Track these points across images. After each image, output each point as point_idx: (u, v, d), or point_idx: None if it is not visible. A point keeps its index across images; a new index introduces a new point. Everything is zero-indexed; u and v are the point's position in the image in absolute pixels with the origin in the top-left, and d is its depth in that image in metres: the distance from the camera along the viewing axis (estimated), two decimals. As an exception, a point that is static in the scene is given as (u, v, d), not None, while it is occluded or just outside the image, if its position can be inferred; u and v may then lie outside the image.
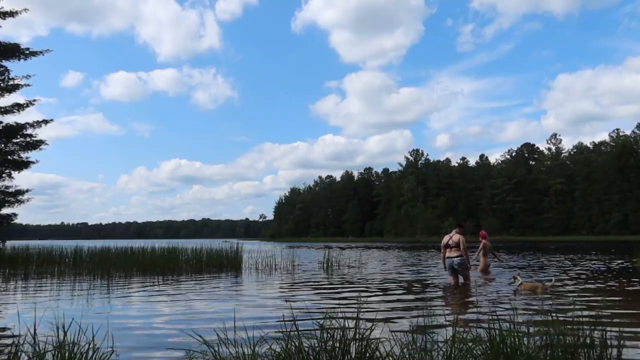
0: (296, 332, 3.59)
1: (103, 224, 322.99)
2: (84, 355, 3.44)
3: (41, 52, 23.47)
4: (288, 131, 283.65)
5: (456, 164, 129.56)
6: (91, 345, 3.50)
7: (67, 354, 3.38)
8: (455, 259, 11.11)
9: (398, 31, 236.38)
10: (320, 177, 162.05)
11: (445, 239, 11.51)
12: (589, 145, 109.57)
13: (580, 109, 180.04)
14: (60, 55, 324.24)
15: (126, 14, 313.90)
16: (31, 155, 23.06)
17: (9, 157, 22.58)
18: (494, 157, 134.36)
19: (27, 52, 22.97)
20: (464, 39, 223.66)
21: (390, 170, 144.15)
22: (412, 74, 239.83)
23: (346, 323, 3.70)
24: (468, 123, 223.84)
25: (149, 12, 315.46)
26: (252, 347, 3.52)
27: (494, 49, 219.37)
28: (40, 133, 45.13)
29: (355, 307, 7.74)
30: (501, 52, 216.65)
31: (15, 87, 23.12)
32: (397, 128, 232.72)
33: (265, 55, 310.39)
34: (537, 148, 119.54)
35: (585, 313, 6.06)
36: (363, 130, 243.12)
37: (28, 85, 23.42)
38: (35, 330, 3.52)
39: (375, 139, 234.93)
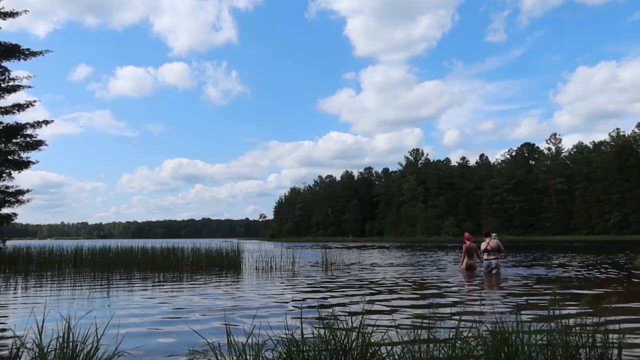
0: (297, 331, 3.59)
1: (103, 223, 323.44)
2: (87, 354, 3.44)
3: (41, 53, 23.44)
4: (295, 129, 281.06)
5: (456, 164, 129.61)
6: (93, 345, 3.50)
7: (69, 353, 3.38)
8: (494, 260, 13.79)
9: (422, 21, 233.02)
10: (320, 177, 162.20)
11: (483, 245, 14.03)
12: (589, 144, 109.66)
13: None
14: (74, 49, 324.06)
15: (143, 5, 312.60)
16: (31, 155, 23.06)
17: (9, 157, 22.57)
18: (494, 157, 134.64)
19: (27, 52, 22.94)
20: (496, 26, 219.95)
21: (390, 170, 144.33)
22: (431, 69, 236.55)
23: (348, 322, 3.71)
24: (479, 121, 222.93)
25: (166, 3, 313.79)
26: (253, 347, 3.52)
27: (520, 44, 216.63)
28: (42, 131, 44.95)
29: (356, 307, 7.75)
30: (529, 45, 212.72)
31: (15, 88, 23.11)
32: (410, 125, 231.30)
33: (280, 47, 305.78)
34: (537, 148, 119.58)
35: (587, 312, 6.06)
36: (375, 127, 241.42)
37: (29, 86, 23.44)
38: (38, 329, 3.52)
39: (384, 137, 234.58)
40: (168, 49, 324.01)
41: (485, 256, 13.94)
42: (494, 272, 13.61)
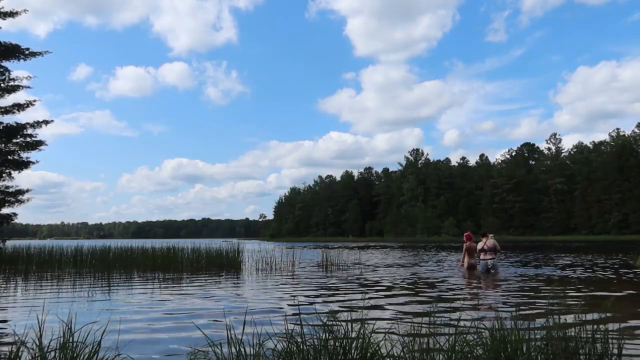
0: (297, 331, 3.59)
1: (103, 223, 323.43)
2: (87, 355, 3.44)
3: (41, 53, 23.46)
4: (295, 129, 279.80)
5: (456, 164, 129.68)
6: (94, 346, 3.50)
7: (70, 354, 3.38)
8: (490, 260, 13.95)
9: (422, 21, 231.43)
10: (320, 177, 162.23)
11: (480, 244, 14.22)
12: (589, 145, 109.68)
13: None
14: (74, 49, 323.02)
15: (143, 5, 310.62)
16: (31, 155, 23.07)
17: (9, 157, 22.57)
18: (494, 157, 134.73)
19: (27, 52, 22.95)
20: (496, 26, 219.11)
21: (390, 170, 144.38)
22: (431, 69, 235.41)
23: (348, 323, 3.71)
24: (479, 121, 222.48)
25: (166, 3, 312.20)
26: (253, 347, 3.53)
27: (520, 44, 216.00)
28: (42, 131, 44.94)
29: (356, 307, 7.75)
30: (528, 45, 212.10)
31: (15, 88, 23.12)
32: (410, 125, 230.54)
33: (280, 47, 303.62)
34: (537, 148, 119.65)
35: (586, 313, 6.05)
36: (375, 127, 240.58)
37: (28, 87, 23.46)
38: (38, 329, 3.53)
39: (384, 137, 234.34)
40: (168, 49, 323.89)
41: (482, 256, 14.13)
42: (491, 272, 13.76)
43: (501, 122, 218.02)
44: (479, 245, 14.25)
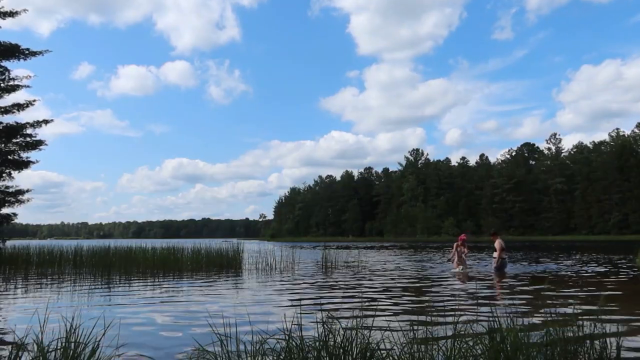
0: (297, 331, 3.60)
1: (103, 223, 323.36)
2: (87, 355, 3.45)
3: (40, 53, 23.47)
4: (297, 128, 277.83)
5: (456, 164, 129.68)
6: (94, 346, 3.51)
7: (71, 354, 3.38)
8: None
9: (429, 19, 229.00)
10: (320, 177, 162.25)
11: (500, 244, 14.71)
12: (589, 144, 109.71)
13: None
14: (77, 47, 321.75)
15: (148, 2, 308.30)
16: (31, 155, 23.07)
17: (9, 157, 22.57)
18: (496, 157, 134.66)
19: (27, 52, 22.96)
20: (503, 23, 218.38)
21: (391, 170, 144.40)
22: (437, 67, 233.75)
23: (347, 322, 3.72)
24: (482, 121, 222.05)
25: (170, 1, 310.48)
26: (253, 346, 3.53)
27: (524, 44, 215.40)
28: (43, 131, 44.99)
29: (355, 307, 7.75)
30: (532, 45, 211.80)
31: (15, 88, 23.13)
32: (413, 124, 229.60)
33: (283, 45, 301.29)
34: (537, 148, 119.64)
35: (586, 312, 6.06)
36: (377, 126, 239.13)
37: (28, 86, 23.47)
38: (38, 329, 3.53)
39: (387, 137, 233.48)
40: (171, 48, 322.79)
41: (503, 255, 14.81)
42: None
43: (504, 122, 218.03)
44: (502, 244, 14.80)
